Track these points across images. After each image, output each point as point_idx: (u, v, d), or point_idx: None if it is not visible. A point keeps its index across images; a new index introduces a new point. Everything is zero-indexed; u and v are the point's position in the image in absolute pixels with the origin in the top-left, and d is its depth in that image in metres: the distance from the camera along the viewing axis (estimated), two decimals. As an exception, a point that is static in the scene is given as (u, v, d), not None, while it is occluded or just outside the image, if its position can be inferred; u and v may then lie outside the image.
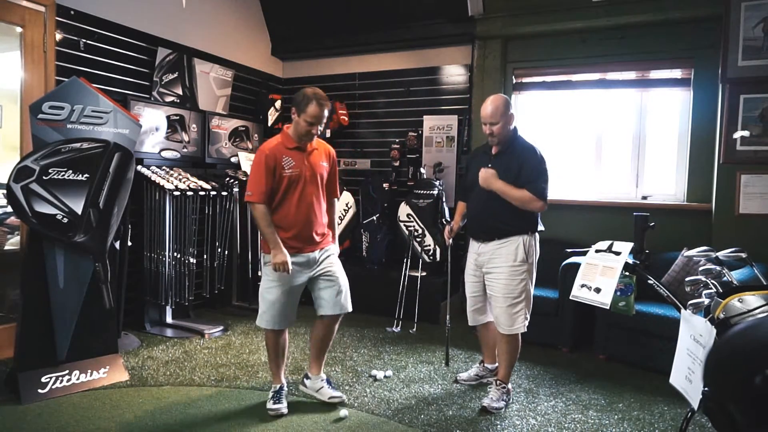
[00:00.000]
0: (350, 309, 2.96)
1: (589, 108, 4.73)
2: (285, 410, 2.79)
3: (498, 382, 3.00)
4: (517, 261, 2.88)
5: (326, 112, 2.76)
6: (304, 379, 3.06)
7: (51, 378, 2.96)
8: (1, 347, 3.39)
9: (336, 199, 3.08)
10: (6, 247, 3.64)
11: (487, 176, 2.89)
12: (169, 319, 4.30)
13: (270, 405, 2.80)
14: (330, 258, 2.92)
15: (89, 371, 3.10)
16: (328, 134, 5.43)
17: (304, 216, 2.80)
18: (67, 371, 3.03)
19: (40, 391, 2.90)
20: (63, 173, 2.99)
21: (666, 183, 4.44)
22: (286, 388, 2.92)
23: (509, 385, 3.04)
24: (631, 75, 4.54)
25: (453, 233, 3.26)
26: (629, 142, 4.57)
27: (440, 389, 3.19)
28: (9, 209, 3.10)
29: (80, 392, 2.99)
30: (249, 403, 2.92)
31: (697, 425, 2.72)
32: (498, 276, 2.92)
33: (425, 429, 2.68)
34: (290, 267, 2.70)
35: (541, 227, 2.98)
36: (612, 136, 4.68)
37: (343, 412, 2.76)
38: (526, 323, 2.93)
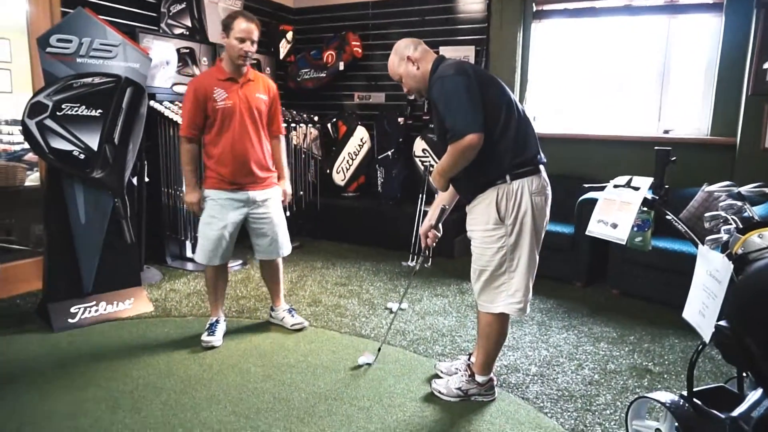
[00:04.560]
0: (285, 254, 3.04)
1: (614, 37, 4.52)
2: (218, 343, 2.84)
3: (467, 367, 2.43)
4: (490, 224, 2.15)
5: (256, 30, 2.70)
6: (270, 311, 3.19)
7: (79, 308, 3.09)
8: (30, 279, 3.52)
9: (281, 136, 2.98)
10: (26, 183, 3.70)
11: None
12: (189, 254, 4.40)
13: (204, 336, 2.85)
14: (269, 202, 2.89)
15: (115, 302, 3.23)
16: (341, 67, 5.30)
17: (242, 150, 2.74)
18: (94, 302, 3.15)
19: (69, 320, 3.03)
20: (76, 109, 2.98)
21: (689, 116, 4.29)
22: (222, 322, 2.99)
23: (481, 379, 2.35)
24: (659, 0, 4.29)
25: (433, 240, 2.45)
26: (653, 72, 4.38)
27: (454, 321, 3.27)
28: (26, 145, 3.12)
29: (108, 322, 3.13)
30: (268, 331, 3.03)
31: (707, 357, 2.77)
32: (474, 243, 2.26)
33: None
34: (198, 207, 2.79)
35: (528, 166, 2.14)
36: (635, 67, 4.49)
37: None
38: (517, 307, 2.19)
